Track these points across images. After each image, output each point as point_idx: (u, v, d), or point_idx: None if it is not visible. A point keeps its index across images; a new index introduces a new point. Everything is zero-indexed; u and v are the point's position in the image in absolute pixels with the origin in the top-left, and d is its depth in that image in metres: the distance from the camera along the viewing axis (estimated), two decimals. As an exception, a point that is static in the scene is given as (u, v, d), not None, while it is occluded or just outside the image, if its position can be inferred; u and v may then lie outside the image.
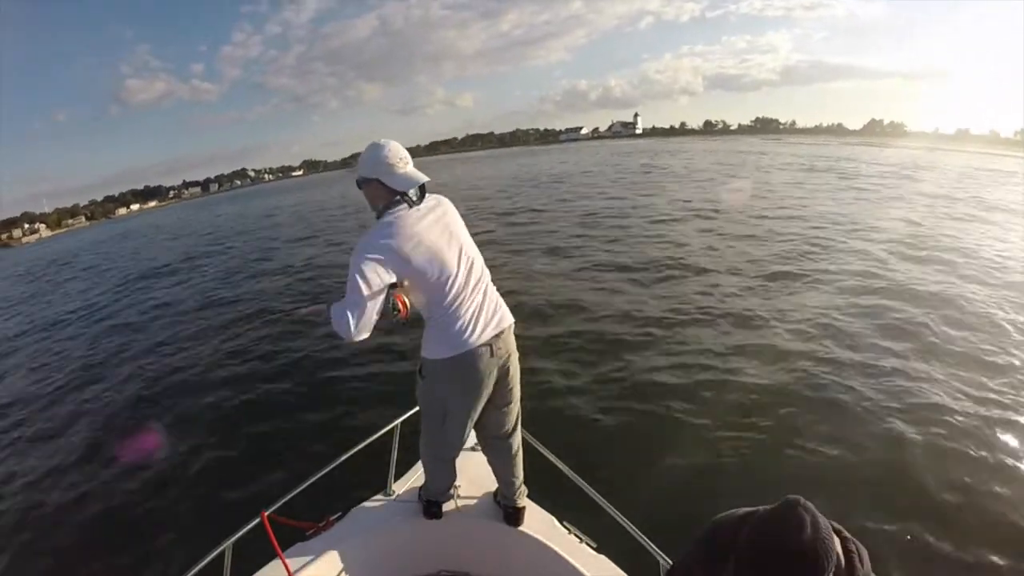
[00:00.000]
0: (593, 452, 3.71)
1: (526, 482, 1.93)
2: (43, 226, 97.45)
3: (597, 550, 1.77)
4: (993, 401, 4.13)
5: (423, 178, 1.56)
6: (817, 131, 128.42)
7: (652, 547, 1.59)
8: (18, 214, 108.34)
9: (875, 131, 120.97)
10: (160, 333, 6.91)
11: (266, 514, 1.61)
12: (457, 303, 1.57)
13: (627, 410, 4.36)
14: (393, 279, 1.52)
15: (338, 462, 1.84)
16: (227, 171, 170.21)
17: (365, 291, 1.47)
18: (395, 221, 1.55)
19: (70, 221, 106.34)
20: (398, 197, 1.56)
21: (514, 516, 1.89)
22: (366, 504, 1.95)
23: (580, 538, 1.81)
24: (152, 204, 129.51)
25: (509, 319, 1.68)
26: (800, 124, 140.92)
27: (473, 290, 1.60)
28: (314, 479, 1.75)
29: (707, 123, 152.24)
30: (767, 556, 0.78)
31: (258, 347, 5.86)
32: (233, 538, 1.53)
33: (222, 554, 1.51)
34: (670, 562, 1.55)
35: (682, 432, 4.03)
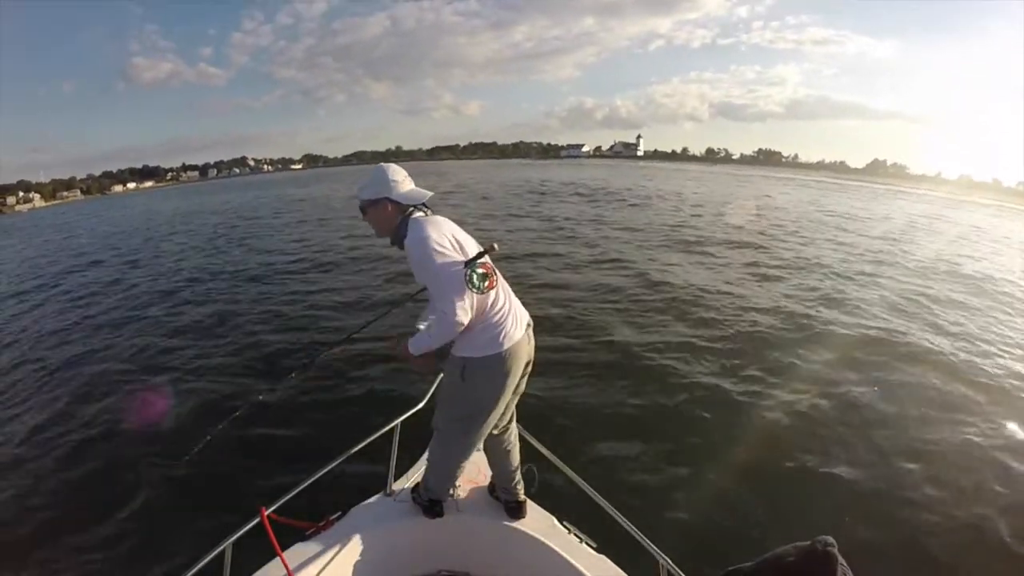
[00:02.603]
0: (593, 452, 3.72)
1: (525, 480, 1.95)
2: (38, 196, 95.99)
3: (597, 550, 1.78)
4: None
5: (428, 193, 1.68)
6: (820, 167, 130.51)
7: (652, 547, 1.60)
8: (15, 182, 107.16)
9: (878, 171, 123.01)
10: (155, 330, 6.91)
11: (266, 513, 1.61)
12: (497, 299, 1.64)
13: (627, 408, 4.37)
14: (464, 257, 1.57)
15: (338, 462, 1.84)
16: (227, 158, 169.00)
17: (450, 276, 1.52)
18: (427, 218, 1.66)
19: (65, 193, 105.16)
20: (411, 210, 1.66)
21: (516, 509, 1.90)
22: (366, 504, 1.96)
23: (580, 538, 1.82)
24: (149, 184, 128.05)
25: (527, 313, 1.77)
26: (803, 158, 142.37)
27: (503, 287, 1.68)
28: (314, 479, 1.75)
29: (709, 150, 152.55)
30: None
31: (258, 346, 5.87)
32: (233, 537, 1.53)
33: (222, 553, 1.51)
34: (670, 562, 1.56)
35: (682, 432, 4.04)
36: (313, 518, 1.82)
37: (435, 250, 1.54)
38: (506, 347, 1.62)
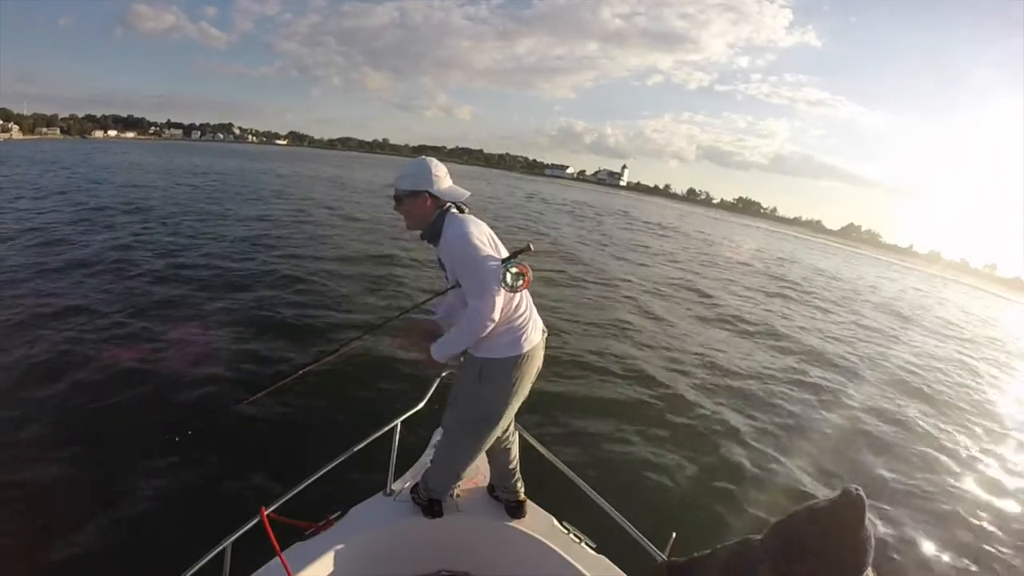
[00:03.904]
0: (593, 452, 3.72)
1: (524, 480, 1.95)
2: (16, 127, 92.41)
3: (597, 550, 1.78)
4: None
5: (467, 193, 1.68)
6: (797, 223, 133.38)
7: (652, 547, 1.60)
8: None
9: (851, 235, 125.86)
10: (154, 322, 6.90)
11: (266, 513, 1.61)
12: (520, 303, 1.65)
13: (628, 408, 4.38)
14: (500, 256, 1.59)
15: (338, 462, 1.84)
16: (214, 121, 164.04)
17: (490, 272, 1.53)
18: (468, 217, 1.67)
19: (44, 130, 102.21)
20: (448, 206, 1.66)
21: (517, 509, 1.91)
22: (366, 504, 1.95)
23: (580, 538, 1.82)
24: (130, 135, 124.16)
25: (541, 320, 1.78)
26: (781, 212, 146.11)
27: (524, 291, 1.67)
28: (314, 478, 1.75)
29: (691, 191, 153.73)
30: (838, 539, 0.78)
31: (257, 346, 5.86)
32: (233, 537, 1.53)
33: (222, 553, 1.51)
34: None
35: (683, 432, 4.04)
36: (313, 518, 1.82)
37: (477, 246, 1.54)
38: (525, 350, 1.63)
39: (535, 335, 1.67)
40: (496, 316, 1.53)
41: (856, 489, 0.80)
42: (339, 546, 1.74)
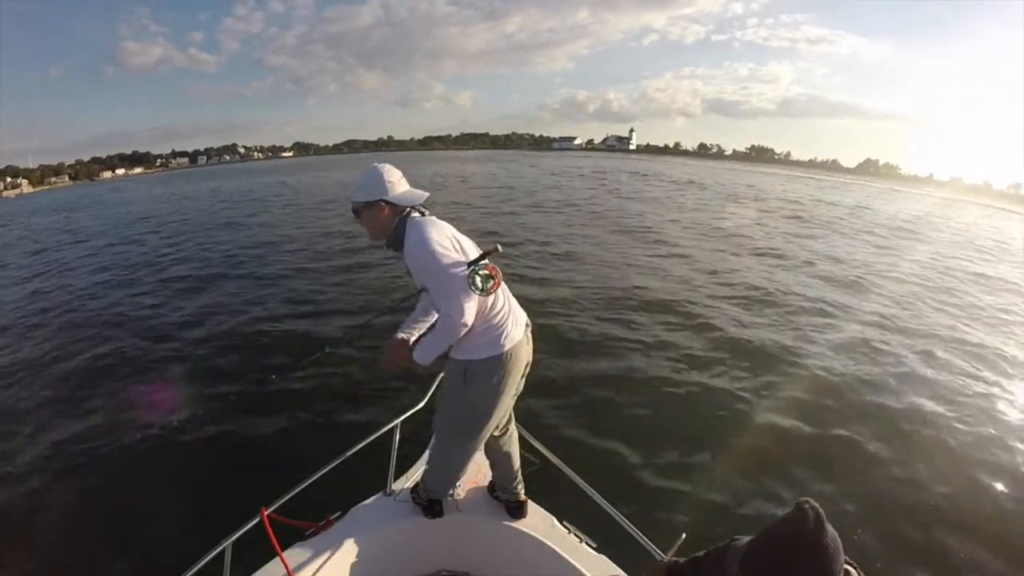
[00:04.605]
0: (593, 452, 3.72)
1: (524, 480, 1.95)
2: (25, 181, 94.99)
3: (597, 550, 1.78)
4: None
5: (424, 194, 1.65)
6: (812, 165, 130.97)
7: (652, 547, 1.60)
8: (2, 167, 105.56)
9: (869, 170, 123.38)
10: (154, 326, 6.91)
11: (266, 513, 1.61)
12: (496, 301, 1.62)
13: (628, 408, 4.37)
14: (465, 258, 1.56)
15: (338, 462, 1.84)
16: (217, 145, 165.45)
17: (454, 277, 1.50)
18: (427, 219, 1.63)
19: (53, 179, 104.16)
20: (406, 211, 1.63)
21: (518, 509, 1.90)
22: (366, 504, 1.95)
23: (580, 538, 1.82)
24: (138, 171, 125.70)
25: (525, 313, 1.76)
26: (795, 156, 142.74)
27: (502, 288, 1.65)
28: (314, 479, 1.75)
29: (702, 145, 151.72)
30: (780, 553, 0.80)
31: (257, 344, 5.86)
32: (233, 537, 1.54)
33: (222, 553, 1.51)
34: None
35: (683, 432, 4.04)
36: (313, 518, 1.82)
37: (438, 251, 1.51)
38: (507, 348, 1.61)
39: (516, 331, 1.65)
40: (469, 319, 1.51)
41: (807, 503, 0.81)
42: (339, 546, 1.74)
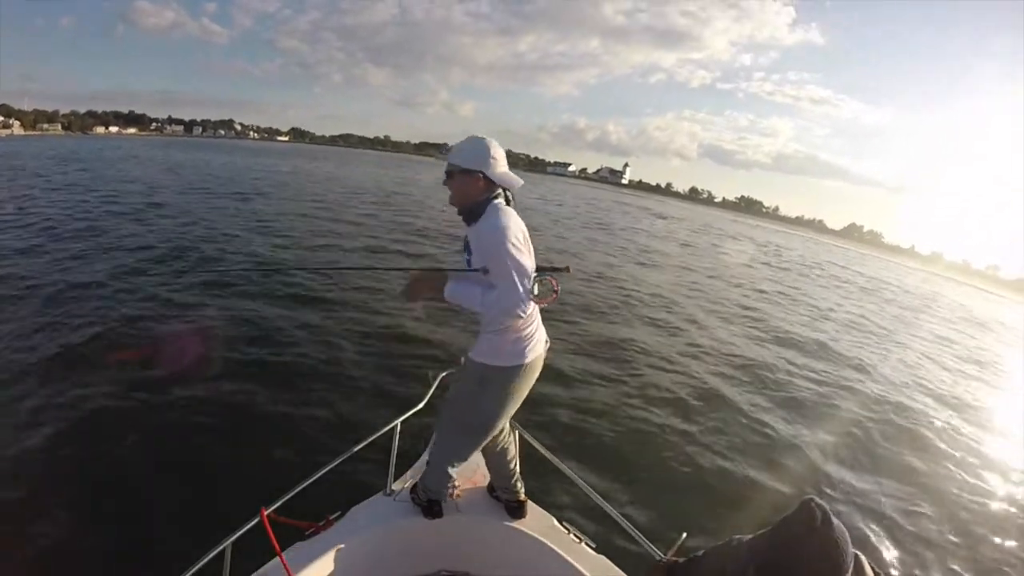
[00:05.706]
0: (593, 452, 3.72)
1: (524, 480, 1.95)
2: (17, 123, 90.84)
3: (597, 550, 1.78)
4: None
5: (520, 182, 1.63)
6: (799, 222, 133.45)
7: (652, 547, 1.60)
8: None
9: (853, 235, 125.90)
10: (155, 317, 6.89)
11: (266, 513, 1.61)
12: (534, 313, 1.63)
13: (628, 408, 4.38)
14: (529, 256, 1.56)
15: (338, 462, 1.84)
16: (216, 118, 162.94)
17: (523, 272, 1.50)
18: (508, 209, 1.61)
19: (45, 126, 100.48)
20: (497, 192, 1.61)
21: (518, 509, 1.90)
22: (366, 504, 1.95)
23: (580, 538, 1.82)
24: (132, 131, 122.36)
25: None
26: (783, 211, 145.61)
27: None
28: (314, 478, 1.75)
29: (693, 189, 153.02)
30: (788, 551, 0.81)
31: (257, 343, 5.85)
32: (233, 537, 1.53)
33: (222, 553, 1.51)
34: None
35: (683, 432, 4.04)
36: (313, 518, 1.82)
37: (512, 243, 1.51)
38: (529, 360, 1.62)
39: (540, 346, 1.67)
40: (524, 311, 1.52)
41: (812, 500, 0.83)
42: (339, 546, 1.74)
